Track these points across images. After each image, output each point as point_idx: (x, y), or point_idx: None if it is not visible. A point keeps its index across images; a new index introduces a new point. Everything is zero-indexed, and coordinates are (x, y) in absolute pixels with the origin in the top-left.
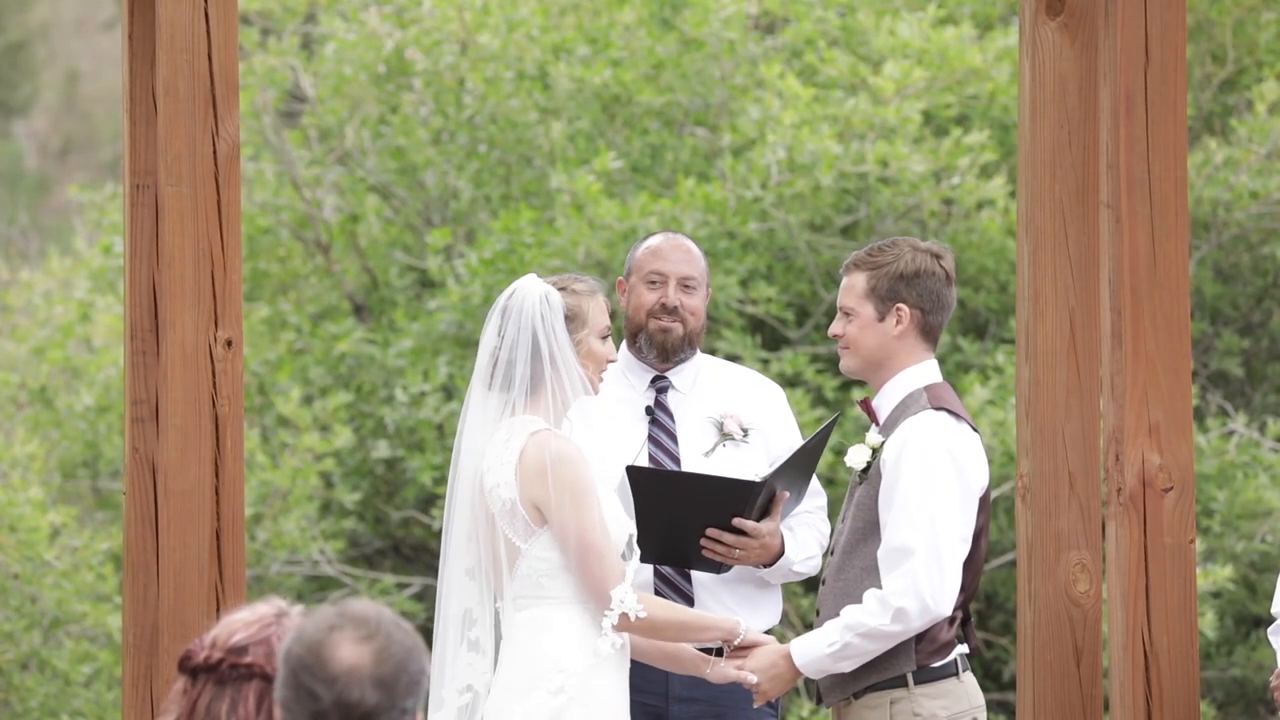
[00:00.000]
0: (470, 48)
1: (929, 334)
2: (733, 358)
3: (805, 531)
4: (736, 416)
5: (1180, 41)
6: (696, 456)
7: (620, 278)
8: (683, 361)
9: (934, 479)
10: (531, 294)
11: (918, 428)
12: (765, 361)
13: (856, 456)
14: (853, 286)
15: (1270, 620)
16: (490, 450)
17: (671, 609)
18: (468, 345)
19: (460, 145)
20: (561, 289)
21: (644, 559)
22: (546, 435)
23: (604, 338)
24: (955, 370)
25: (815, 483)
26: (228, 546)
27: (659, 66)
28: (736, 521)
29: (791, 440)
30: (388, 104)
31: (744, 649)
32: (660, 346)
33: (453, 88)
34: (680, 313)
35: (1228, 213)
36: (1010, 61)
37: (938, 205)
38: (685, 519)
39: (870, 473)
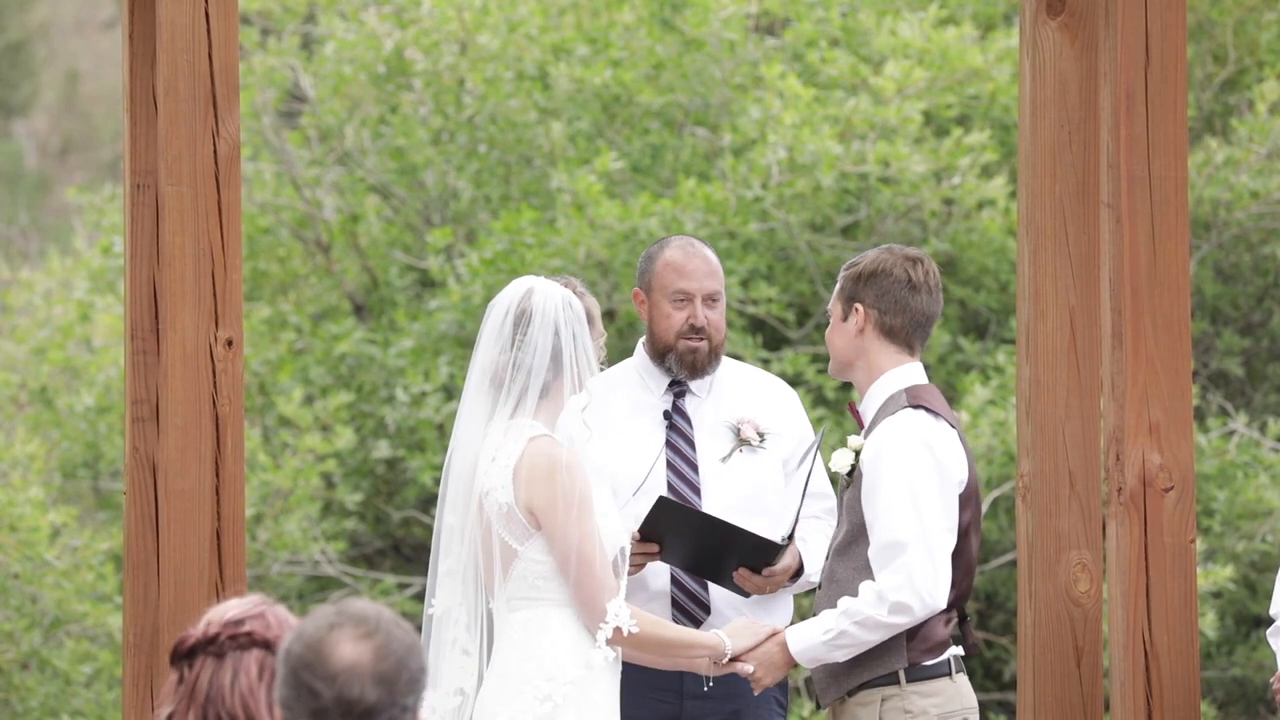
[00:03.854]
0: (470, 48)
1: (892, 336)
2: (733, 358)
3: (817, 540)
4: (753, 422)
5: (1180, 41)
6: (714, 462)
7: (637, 288)
8: (710, 374)
9: (913, 473)
10: (553, 299)
11: (894, 426)
12: (766, 361)
13: (841, 461)
14: (835, 290)
15: (1270, 621)
16: (486, 452)
17: (660, 626)
18: (468, 345)
19: (460, 145)
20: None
21: (673, 563)
22: (546, 442)
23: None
24: (955, 370)
25: (826, 484)
26: (228, 546)
27: (659, 67)
28: (765, 571)
29: (805, 443)
30: (387, 104)
31: (736, 660)
32: (691, 366)
33: (452, 88)
34: (706, 330)
35: (1228, 212)
36: (1011, 62)
37: (938, 205)
38: (715, 552)
39: (855, 475)
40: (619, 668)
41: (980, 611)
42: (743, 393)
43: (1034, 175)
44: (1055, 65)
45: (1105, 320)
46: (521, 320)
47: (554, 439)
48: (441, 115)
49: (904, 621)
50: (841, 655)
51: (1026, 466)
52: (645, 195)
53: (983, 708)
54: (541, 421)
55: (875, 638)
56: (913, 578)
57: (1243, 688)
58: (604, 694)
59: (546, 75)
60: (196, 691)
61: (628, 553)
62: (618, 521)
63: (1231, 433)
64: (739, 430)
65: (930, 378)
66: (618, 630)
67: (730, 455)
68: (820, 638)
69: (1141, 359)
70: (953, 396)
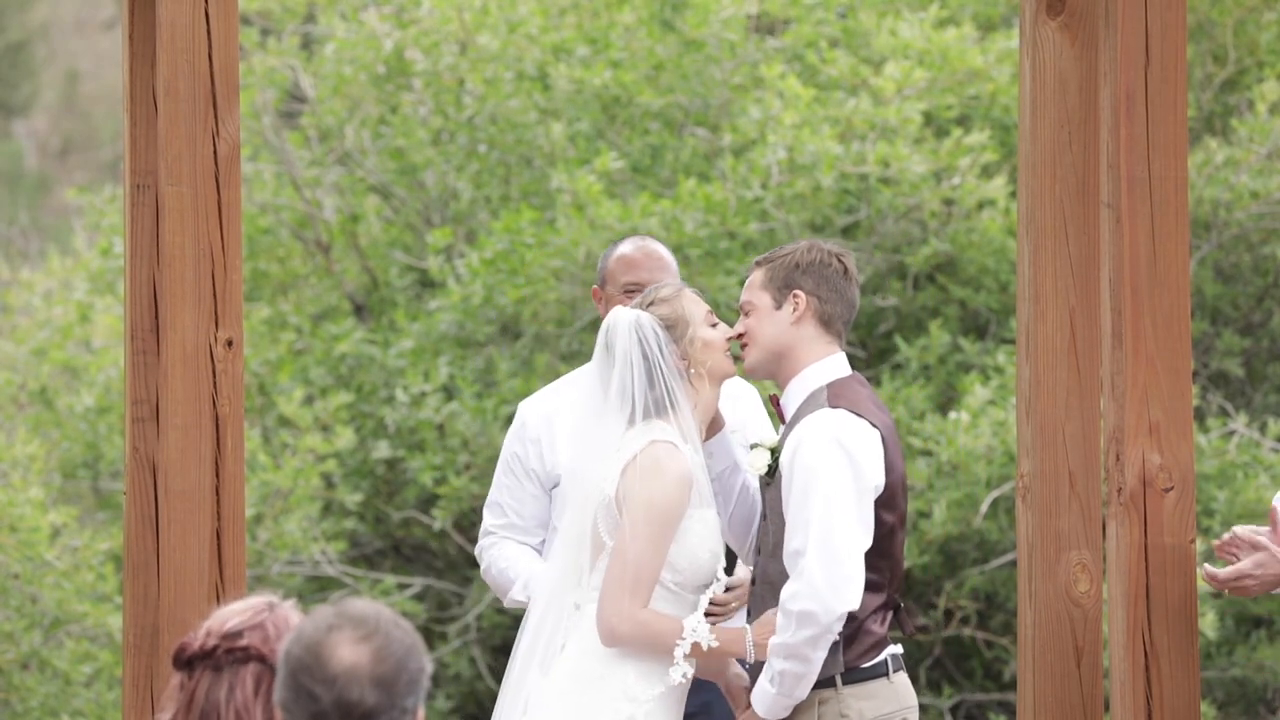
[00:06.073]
0: (470, 48)
1: (828, 324)
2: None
3: None
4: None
5: (1180, 41)
6: None
7: (595, 286)
8: None
9: (823, 473)
10: (623, 326)
11: (810, 426)
12: None
13: (757, 461)
14: (752, 283)
15: (1272, 623)
16: (610, 455)
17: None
18: (468, 345)
19: (460, 146)
20: (649, 305)
21: None
22: (664, 448)
23: (713, 324)
24: (955, 370)
25: None
26: (228, 546)
27: (659, 67)
28: None
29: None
30: (387, 104)
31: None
32: None
33: (452, 88)
34: None
35: (1228, 213)
36: (1011, 63)
37: (938, 205)
38: None
39: (775, 475)
40: (686, 689)
41: (980, 611)
42: None
43: (1034, 175)
44: (1055, 65)
45: (1105, 320)
46: (607, 353)
47: (674, 447)
48: (441, 115)
49: (816, 631)
50: (802, 691)
51: (1026, 466)
52: (645, 195)
53: (983, 708)
54: (674, 429)
55: (810, 664)
56: (812, 583)
57: (1243, 688)
58: (672, 715)
59: (546, 76)
60: (194, 703)
61: (708, 591)
62: (707, 556)
63: (1231, 433)
64: None
65: (930, 378)
66: (696, 646)
67: None
68: (772, 690)
69: (1141, 359)
70: (953, 396)
